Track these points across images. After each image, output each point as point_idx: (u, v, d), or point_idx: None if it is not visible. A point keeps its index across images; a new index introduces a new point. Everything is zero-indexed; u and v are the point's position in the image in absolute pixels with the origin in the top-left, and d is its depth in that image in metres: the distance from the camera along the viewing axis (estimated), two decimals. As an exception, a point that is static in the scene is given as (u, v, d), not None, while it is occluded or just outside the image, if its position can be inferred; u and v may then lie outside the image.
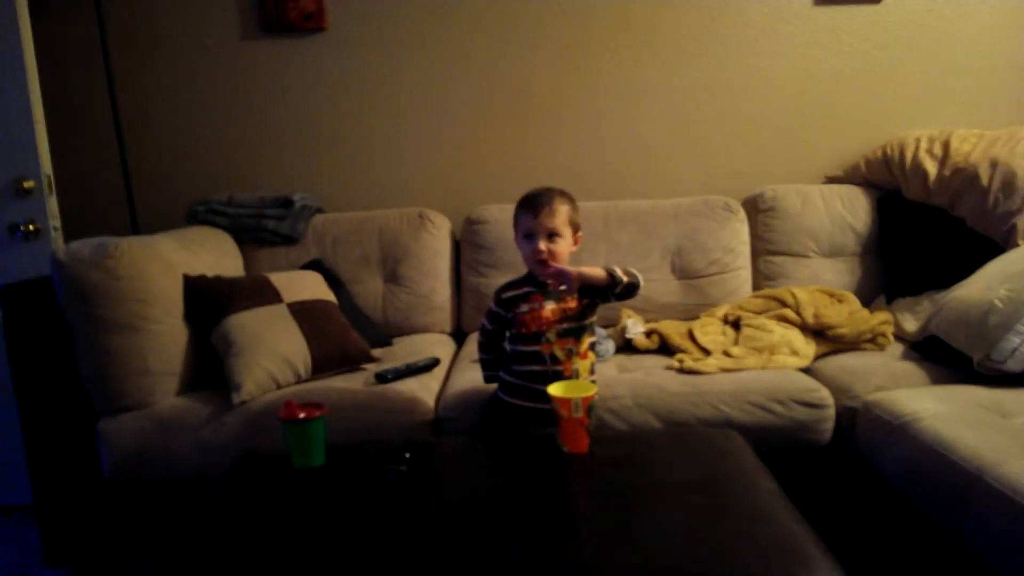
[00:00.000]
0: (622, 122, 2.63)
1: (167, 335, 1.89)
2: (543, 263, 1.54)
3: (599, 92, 2.61)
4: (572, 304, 1.58)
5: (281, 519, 1.21)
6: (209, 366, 1.93)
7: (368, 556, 1.08)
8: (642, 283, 1.56)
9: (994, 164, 2.08)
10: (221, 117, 2.65)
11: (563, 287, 1.52)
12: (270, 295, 2.03)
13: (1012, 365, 1.63)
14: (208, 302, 1.95)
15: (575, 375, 1.57)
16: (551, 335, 1.57)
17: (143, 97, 2.63)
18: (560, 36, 2.58)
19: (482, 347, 1.74)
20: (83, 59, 2.57)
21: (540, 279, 1.58)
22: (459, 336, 2.43)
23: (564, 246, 1.57)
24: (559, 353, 1.57)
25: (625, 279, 1.51)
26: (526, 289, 1.61)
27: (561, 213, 1.57)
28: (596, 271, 1.51)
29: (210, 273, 2.05)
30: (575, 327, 1.58)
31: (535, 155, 2.64)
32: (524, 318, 1.59)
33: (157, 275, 1.90)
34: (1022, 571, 1.17)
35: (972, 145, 2.20)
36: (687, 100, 2.61)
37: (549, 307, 1.58)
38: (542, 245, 1.55)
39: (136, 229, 2.62)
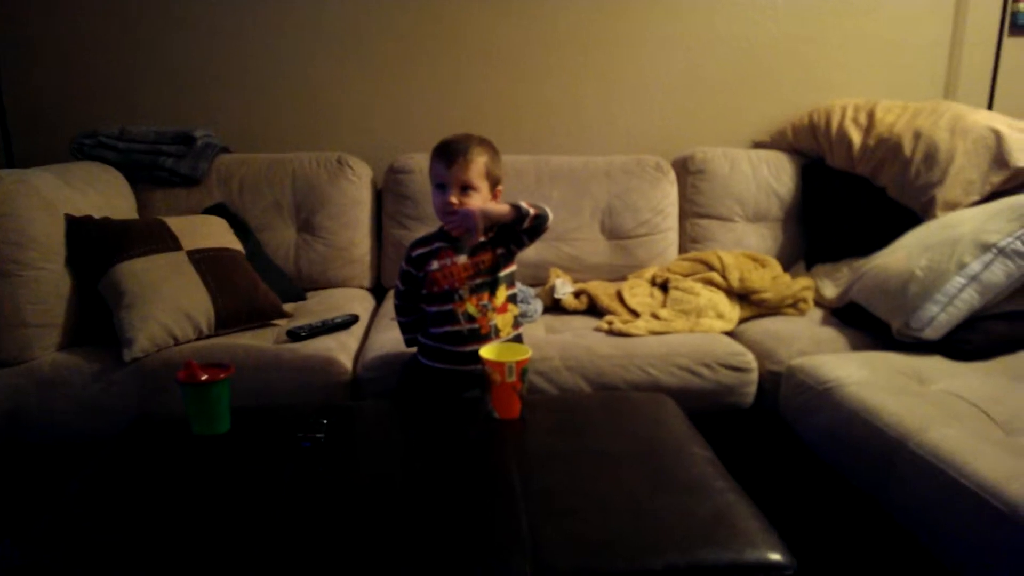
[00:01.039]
0: (556, 74, 2.52)
1: (46, 283, 1.69)
2: (452, 215, 1.45)
3: (534, 41, 2.49)
4: (485, 257, 1.50)
5: (180, 491, 1.08)
6: (96, 318, 1.73)
7: (282, 533, 0.97)
8: (551, 216, 1.47)
9: (917, 135, 2.11)
10: (115, 40, 2.36)
11: (468, 233, 1.44)
12: (167, 241, 1.84)
13: (930, 333, 1.67)
14: (95, 247, 1.74)
15: (494, 331, 1.50)
16: (463, 291, 1.48)
17: (21, 11, 2.30)
18: (495, -22, 2.44)
19: (398, 309, 1.64)
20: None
21: (448, 232, 1.49)
22: (379, 291, 2.31)
23: (479, 200, 1.47)
24: (472, 310, 1.49)
25: (532, 211, 1.43)
26: (436, 245, 1.52)
27: (477, 165, 1.46)
28: (499, 206, 1.44)
29: (97, 214, 1.83)
30: (488, 280, 1.50)
31: (465, 102, 2.51)
32: (435, 276, 1.50)
33: (35, 215, 1.68)
34: (944, 535, 1.20)
35: (896, 116, 2.23)
36: (622, 54, 2.53)
37: (461, 262, 1.49)
38: (453, 199, 1.45)
39: (11, 162, 2.33)
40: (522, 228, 1.45)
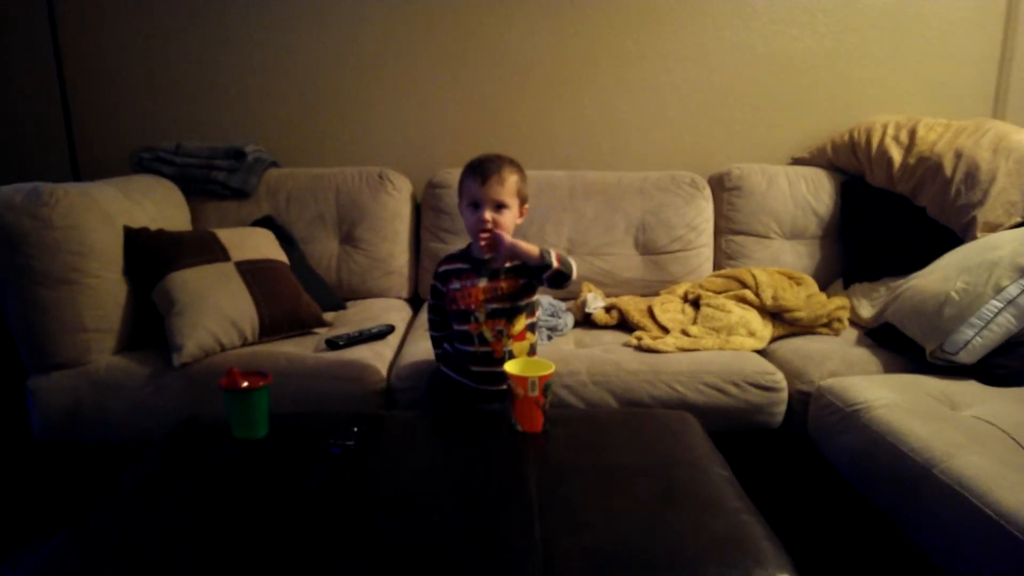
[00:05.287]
0: (592, 90, 2.56)
1: (105, 290, 1.79)
2: (486, 233, 1.48)
3: (571, 58, 2.53)
4: (506, 284, 1.52)
5: (219, 491, 1.16)
6: (150, 324, 1.84)
7: (306, 536, 1.03)
8: (574, 276, 1.48)
9: (959, 155, 2.08)
10: (172, 59, 2.50)
11: (492, 256, 1.48)
12: (217, 252, 1.93)
13: (964, 357, 1.65)
14: (149, 257, 1.85)
15: (508, 356, 1.51)
16: (480, 314, 1.52)
17: (87, 35, 2.46)
18: (534, -2, 2.49)
19: (431, 323, 1.69)
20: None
21: (478, 249, 1.52)
22: (416, 302, 2.38)
23: (510, 218, 1.51)
24: (487, 334, 1.52)
25: (555, 265, 1.44)
26: (459, 265, 1.56)
27: (510, 183, 1.50)
28: (530, 248, 1.45)
29: (153, 226, 1.94)
30: (507, 308, 1.52)
31: (502, 118, 2.57)
32: (455, 295, 1.54)
33: (95, 226, 1.79)
34: (967, 563, 1.19)
35: (938, 134, 2.20)
36: (659, 71, 2.55)
37: (480, 285, 1.52)
38: (488, 215, 1.48)
39: (77, 176, 2.48)
40: (542, 275, 1.47)
